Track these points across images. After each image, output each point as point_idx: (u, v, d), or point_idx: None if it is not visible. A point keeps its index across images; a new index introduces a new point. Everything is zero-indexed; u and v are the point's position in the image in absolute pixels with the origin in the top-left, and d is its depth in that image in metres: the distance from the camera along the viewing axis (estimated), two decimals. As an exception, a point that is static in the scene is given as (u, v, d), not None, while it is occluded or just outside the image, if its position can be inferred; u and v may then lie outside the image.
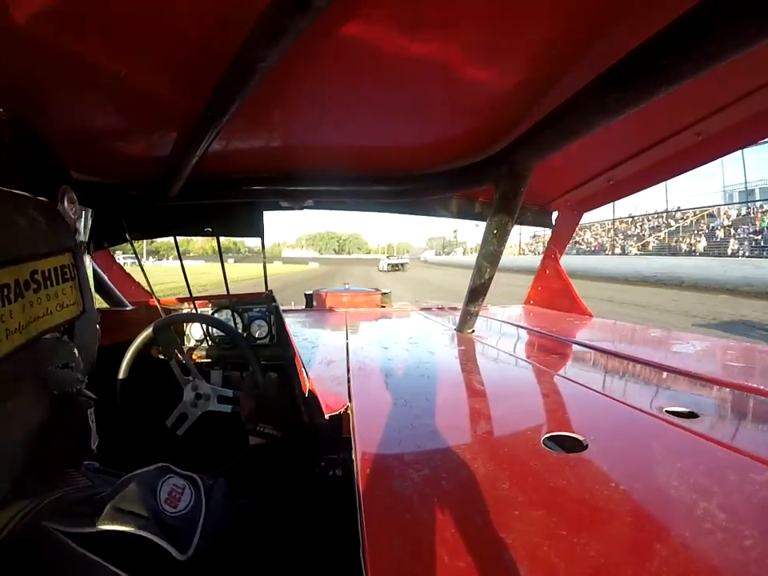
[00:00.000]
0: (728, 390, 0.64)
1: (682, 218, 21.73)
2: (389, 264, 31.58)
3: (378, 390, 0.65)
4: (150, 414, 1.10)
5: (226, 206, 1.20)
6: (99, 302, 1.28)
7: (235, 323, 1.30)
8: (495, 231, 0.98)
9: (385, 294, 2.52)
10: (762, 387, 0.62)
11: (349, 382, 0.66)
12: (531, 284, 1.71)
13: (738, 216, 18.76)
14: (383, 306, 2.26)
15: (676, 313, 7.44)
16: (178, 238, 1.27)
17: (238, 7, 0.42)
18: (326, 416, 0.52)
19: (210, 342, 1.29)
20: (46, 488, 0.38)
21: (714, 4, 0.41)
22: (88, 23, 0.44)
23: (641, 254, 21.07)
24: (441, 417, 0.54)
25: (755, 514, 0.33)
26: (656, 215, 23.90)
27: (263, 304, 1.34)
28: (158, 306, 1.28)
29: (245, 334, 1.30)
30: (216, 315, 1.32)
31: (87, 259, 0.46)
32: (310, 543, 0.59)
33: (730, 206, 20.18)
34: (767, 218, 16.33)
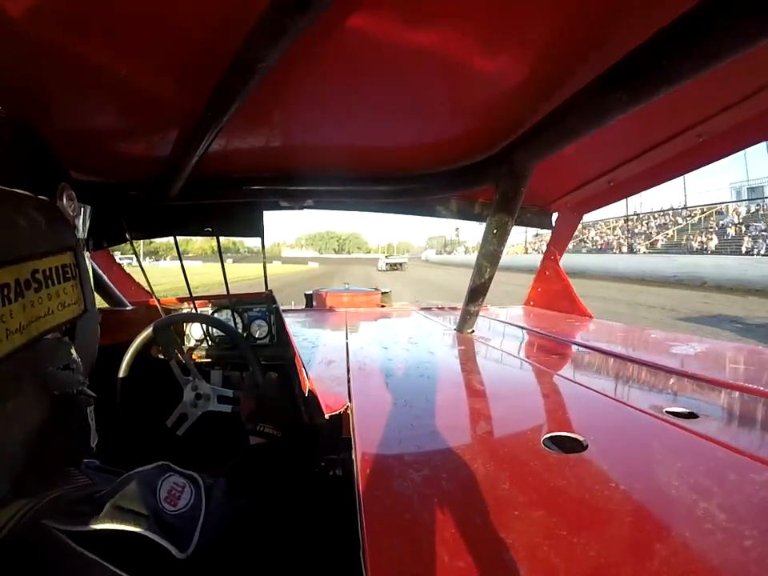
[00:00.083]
0: (728, 390, 0.64)
1: (689, 216, 21.59)
2: (387, 263, 33.08)
3: (378, 390, 0.65)
4: (150, 414, 1.10)
5: (225, 205, 1.20)
6: (99, 302, 1.28)
7: (235, 323, 1.30)
8: (495, 231, 0.98)
9: (385, 293, 2.52)
10: (761, 388, 0.62)
11: (349, 382, 0.66)
12: (531, 285, 1.72)
13: (747, 213, 18.57)
14: (383, 305, 2.26)
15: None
16: (177, 238, 1.27)
17: (238, 7, 0.42)
18: (326, 416, 0.52)
19: (209, 342, 1.29)
20: (46, 487, 0.37)
21: (713, 4, 0.41)
22: (88, 25, 0.44)
23: (650, 253, 20.84)
24: (441, 417, 0.54)
25: (755, 514, 0.33)
26: (662, 213, 23.79)
27: (263, 304, 1.34)
28: (158, 305, 1.27)
29: (245, 334, 1.30)
30: (216, 315, 1.32)
31: (87, 257, 0.46)
32: (310, 543, 0.59)
33: (738, 203, 20.01)
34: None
